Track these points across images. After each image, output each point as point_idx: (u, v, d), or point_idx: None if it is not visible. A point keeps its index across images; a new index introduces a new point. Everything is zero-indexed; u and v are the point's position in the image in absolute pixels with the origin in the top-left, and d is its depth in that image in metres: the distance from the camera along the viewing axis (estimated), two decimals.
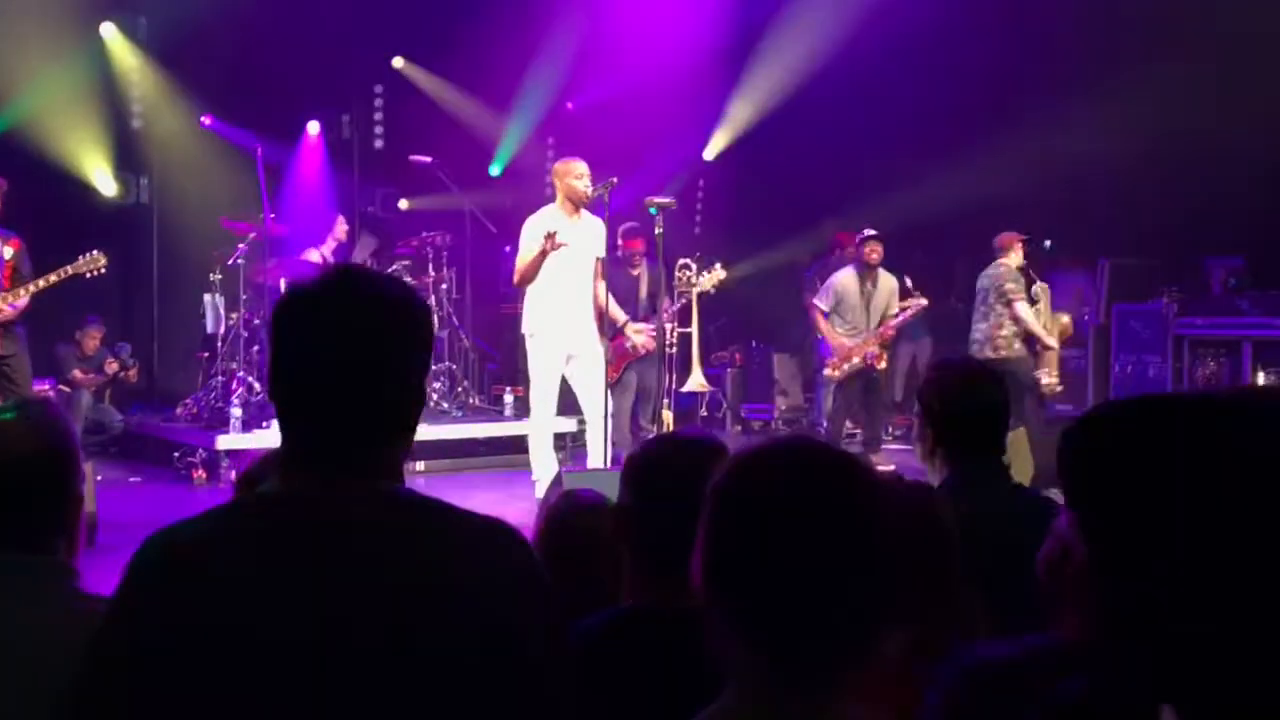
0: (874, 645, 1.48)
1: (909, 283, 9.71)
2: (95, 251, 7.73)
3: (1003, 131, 11.82)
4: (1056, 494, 1.84)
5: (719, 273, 8.58)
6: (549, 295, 7.54)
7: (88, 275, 7.75)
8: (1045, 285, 9.76)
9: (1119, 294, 12.42)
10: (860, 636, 1.47)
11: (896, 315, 9.74)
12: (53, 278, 7.54)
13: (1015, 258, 9.48)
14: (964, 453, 3.02)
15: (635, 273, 9.36)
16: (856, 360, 9.59)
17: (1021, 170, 12.28)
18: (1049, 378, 9.50)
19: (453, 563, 1.64)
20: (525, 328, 7.74)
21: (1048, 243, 13.61)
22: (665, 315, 9.27)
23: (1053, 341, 9.55)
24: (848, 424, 11.96)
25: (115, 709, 1.59)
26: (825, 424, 11.72)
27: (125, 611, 1.64)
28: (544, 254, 7.35)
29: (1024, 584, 2.20)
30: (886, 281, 9.77)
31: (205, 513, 1.70)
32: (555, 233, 7.29)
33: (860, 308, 9.72)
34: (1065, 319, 10.09)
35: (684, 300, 8.93)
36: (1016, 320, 9.30)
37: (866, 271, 9.68)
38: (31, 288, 7.50)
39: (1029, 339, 9.40)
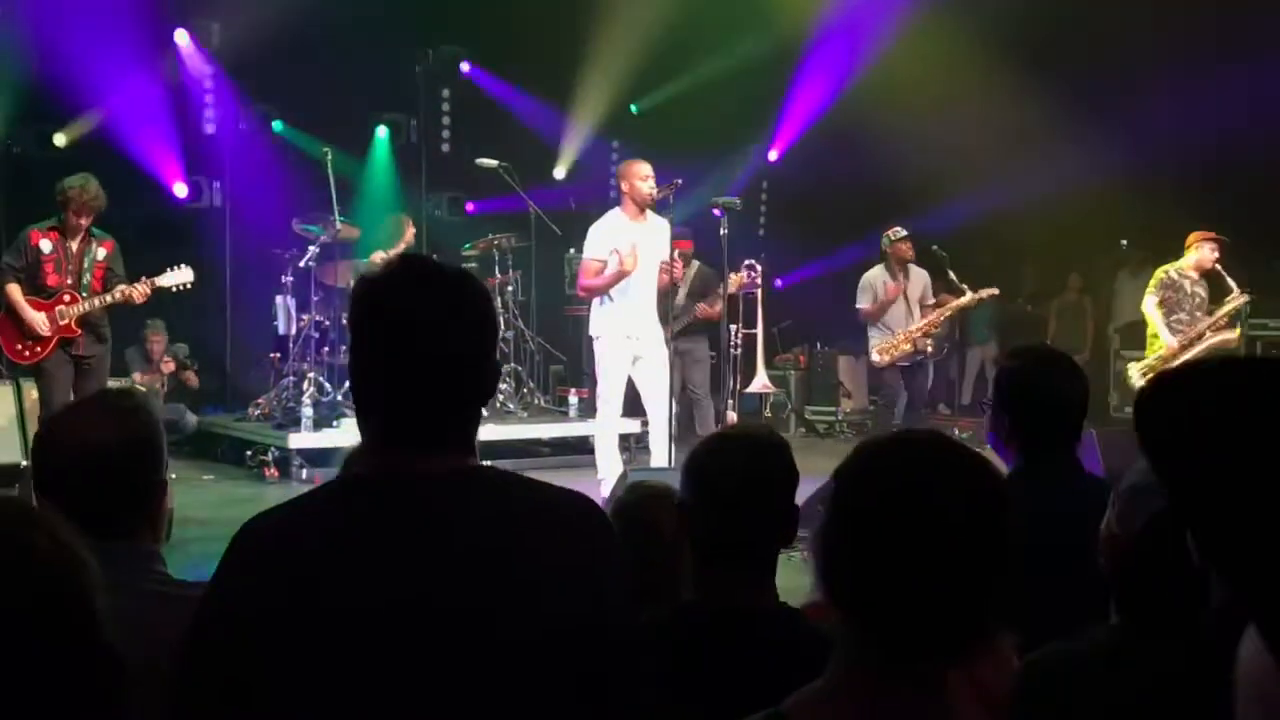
0: (988, 641, 1.50)
1: (953, 275, 9.71)
2: (183, 265, 7.84)
3: (1071, 131, 11.71)
4: None
5: (742, 275, 8.57)
6: (615, 297, 7.58)
7: (173, 289, 7.87)
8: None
9: None
10: (980, 632, 1.49)
11: (934, 305, 9.80)
12: (144, 289, 7.64)
13: (1188, 257, 8.95)
14: (1039, 444, 2.96)
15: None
16: (906, 347, 9.56)
17: (1090, 172, 12.17)
18: (1139, 380, 9.33)
19: (541, 533, 1.69)
20: (592, 330, 7.79)
21: (1124, 242, 13.44)
22: (701, 312, 9.29)
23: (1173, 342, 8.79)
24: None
25: (217, 689, 1.63)
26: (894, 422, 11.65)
27: (224, 594, 1.68)
28: (620, 275, 7.41)
29: (1090, 582, 2.20)
30: (919, 275, 9.86)
31: (299, 497, 1.75)
32: (634, 255, 7.35)
33: (902, 303, 9.75)
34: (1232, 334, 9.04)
35: (750, 297, 8.94)
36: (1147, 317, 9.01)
37: (897, 267, 9.71)
38: (114, 297, 7.59)
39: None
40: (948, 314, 9.80)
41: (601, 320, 7.69)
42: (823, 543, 1.51)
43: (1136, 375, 9.01)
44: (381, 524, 1.66)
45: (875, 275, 9.81)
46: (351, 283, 10.07)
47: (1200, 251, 8.88)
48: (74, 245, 7.62)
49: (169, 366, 10.71)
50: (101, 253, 7.69)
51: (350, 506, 1.70)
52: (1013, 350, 3.38)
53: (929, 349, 9.79)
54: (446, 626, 1.61)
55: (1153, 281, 9.02)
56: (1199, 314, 8.86)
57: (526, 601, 1.64)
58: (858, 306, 9.85)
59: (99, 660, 1.41)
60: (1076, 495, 2.80)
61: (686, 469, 2.30)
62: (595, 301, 7.74)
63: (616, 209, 7.76)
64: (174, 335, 11.33)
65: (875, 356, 9.67)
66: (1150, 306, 8.92)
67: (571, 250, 11.88)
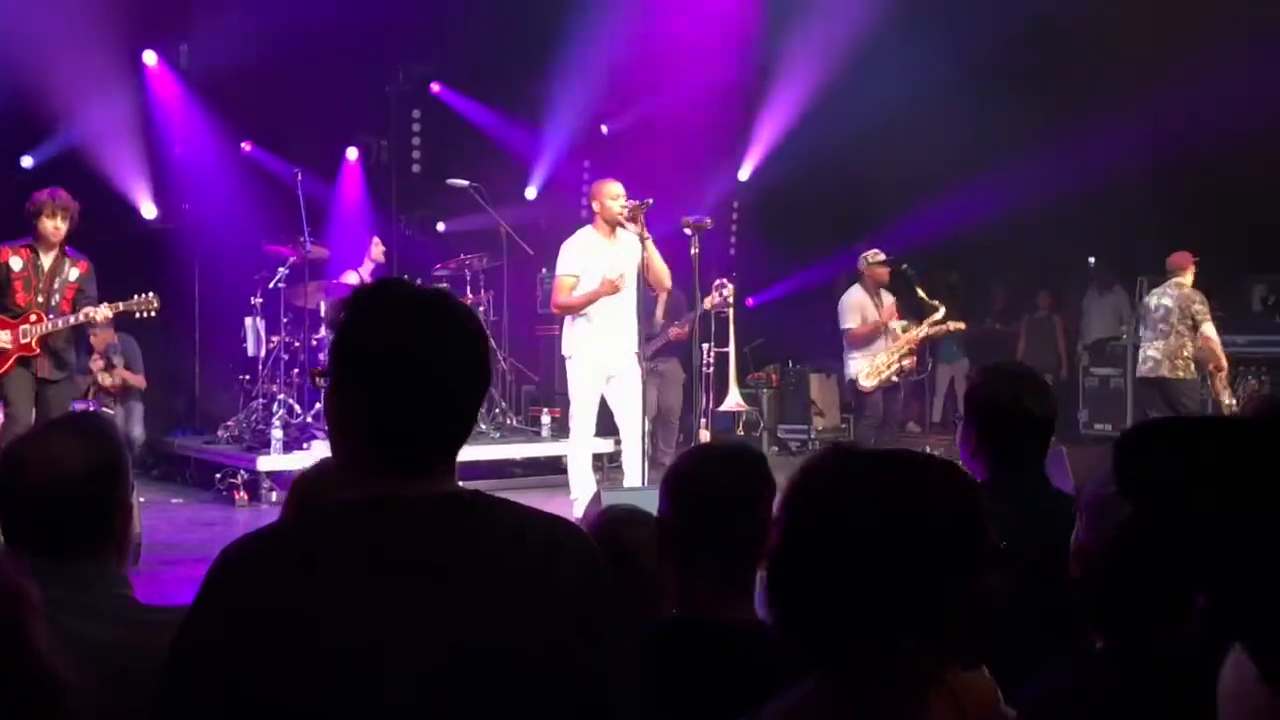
0: (966, 646, 1.51)
1: (921, 293, 9.75)
2: (150, 294, 7.72)
3: (1037, 149, 11.80)
4: None
5: (715, 295, 8.57)
6: (587, 316, 7.59)
7: (138, 315, 7.77)
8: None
9: None
10: (960, 635, 1.49)
11: (909, 330, 9.79)
12: (106, 311, 7.56)
13: (1189, 278, 9.58)
14: (1006, 458, 3.01)
15: (653, 293, 9.42)
16: (894, 368, 9.58)
17: (1057, 189, 12.27)
18: (1229, 398, 9.49)
19: (531, 558, 1.69)
20: (565, 349, 7.79)
21: (1091, 260, 13.56)
22: (674, 334, 9.33)
23: (1225, 363, 9.58)
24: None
25: (205, 713, 1.58)
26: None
27: (211, 617, 1.62)
28: (600, 294, 7.42)
29: (1055, 594, 2.22)
30: (889, 298, 9.93)
31: (285, 520, 1.75)
32: (618, 278, 7.38)
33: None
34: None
35: (721, 316, 8.94)
36: (1206, 341, 9.39)
37: (874, 289, 9.79)
38: (76, 319, 7.47)
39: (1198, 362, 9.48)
40: (925, 335, 9.81)
41: (573, 339, 7.69)
42: (787, 555, 1.51)
43: (1227, 395, 9.54)
44: (374, 549, 1.63)
45: (858, 296, 9.84)
46: (322, 305, 10.04)
47: (1191, 272, 9.56)
48: (46, 263, 7.51)
49: (97, 364, 10.41)
50: (75, 273, 7.58)
51: (341, 533, 1.66)
52: (983, 367, 3.44)
53: (913, 368, 9.85)
54: (440, 652, 1.60)
55: (1203, 305, 9.43)
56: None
57: (519, 625, 1.63)
58: (845, 327, 9.83)
59: (31, 686, 1.38)
60: (1043, 509, 2.85)
61: (667, 483, 2.30)
62: (567, 320, 7.73)
63: (588, 227, 7.77)
64: (143, 357, 11.26)
65: (863, 381, 9.60)
66: (1214, 330, 9.45)
67: (544, 270, 11.89)
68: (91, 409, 9.13)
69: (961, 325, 10.03)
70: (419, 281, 10.60)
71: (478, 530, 1.69)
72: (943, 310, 9.70)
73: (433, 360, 1.69)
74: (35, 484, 2.12)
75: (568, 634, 1.66)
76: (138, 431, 10.71)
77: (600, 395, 7.68)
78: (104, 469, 2.18)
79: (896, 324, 9.75)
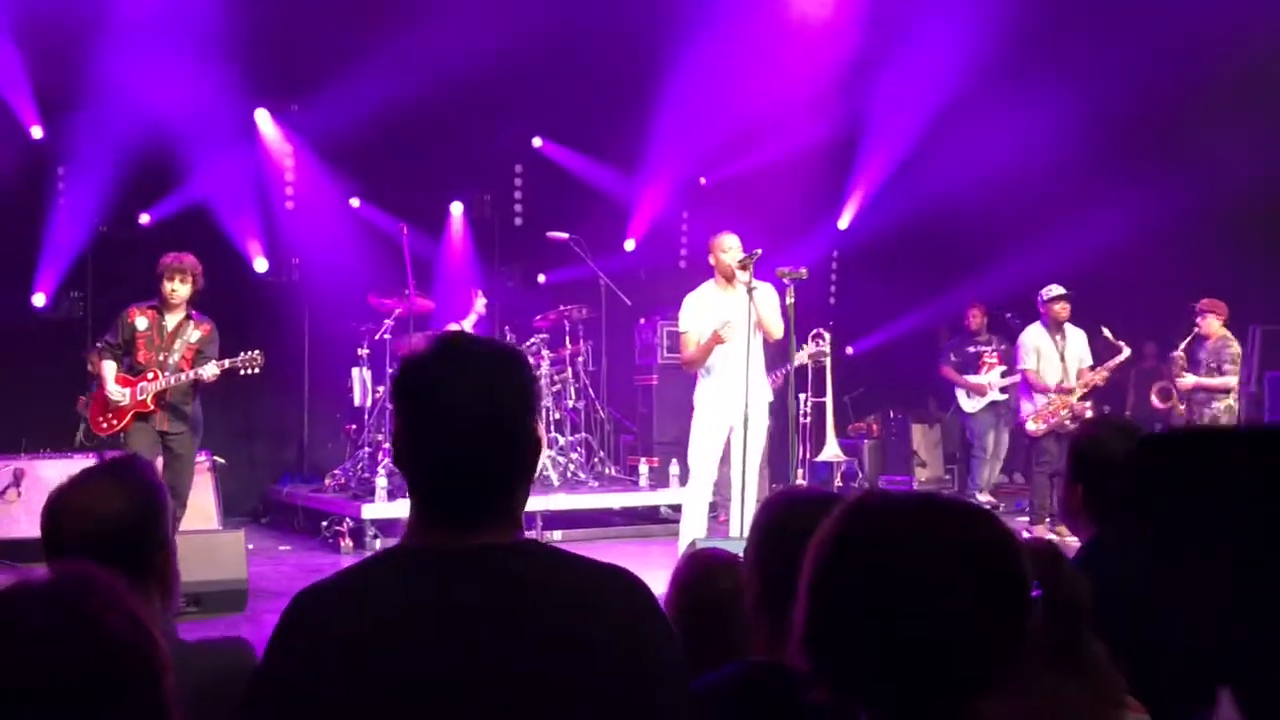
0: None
1: (1107, 333, 9.58)
2: (256, 351, 7.88)
3: (1144, 187, 11.61)
4: None
5: (810, 346, 8.51)
6: (707, 368, 7.65)
7: (243, 372, 7.94)
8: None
9: (1271, 361, 12.00)
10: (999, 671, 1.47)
11: (1093, 367, 9.61)
12: (214, 369, 7.68)
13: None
14: (1114, 513, 2.95)
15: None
16: (1064, 413, 9.36)
17: (1164, 229, 12.05)
18: None
19: (584, 610, 1.71)
20: (695, 399, 7.85)
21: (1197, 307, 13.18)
22: (776, 380, 9.28)
23: None
24: (989, 497, 11.75)
25: None
26: (975, 492, 11.50)
27: (276, 664, 1.73)
28: (709, 348, 7.49)
29: (1169, 647, 2.18)
30: (1077, 335, 9.70)
31: (344, 571, 1.80)
32: (729, 325, 7.42)
33: (1057, 363, 9.63)
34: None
35: (819, 366, 8.91)
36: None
37: (1054, 326, 9.62)
38: (185, 377, 7.64)
39: None
40: (1103, 377, 9.59)
41: (699, 391, 7.78)
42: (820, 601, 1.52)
43: None
44: (430, 600, 1.69)
45: (1035, 334, 9.70)
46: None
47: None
48: (170, 324, 7.75)
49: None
50: (196, 335, 7.79)
51: (391, 580, 1.74)
52: (1090, 420, 3.38)
53: (1087, 413, 9.38)
54: (495, 700, 1.63)
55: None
56: None
57: (572, 672, 1.66)
58: (1020, 368, 9.74)
59: None
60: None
61: (754, 528, 2.31)
62: (699, 373, 7.81)
63: (710, 280, 7.83)
64: (252, 409, 11.55)
65: (1030, 425, 9.43)
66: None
67: (642, 320, 11.98)
68: (204, 462, 9.38)
69: (1126, 351, 9.77)
70: (509, 334, 10.77)
71: (523, 578, 1.72)
72: (1127, 351, 9.53)
73: (446, 418, 1.74)
74: (77, 528, 2.22)
75: (610, 687, 1.66)
76: None
77: (722, 446, 7.69)
78: (143, 509, 2.28)
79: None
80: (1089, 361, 9.65)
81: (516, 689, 1.64)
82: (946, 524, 1.48)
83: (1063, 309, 9.56)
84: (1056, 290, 9.57)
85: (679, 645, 1.79)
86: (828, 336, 8.56)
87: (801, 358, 8.47)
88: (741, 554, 2.70)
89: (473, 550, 1.72)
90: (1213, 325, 9.75)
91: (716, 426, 7.64)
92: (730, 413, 7.54)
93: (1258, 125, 10.86)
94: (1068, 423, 9.26)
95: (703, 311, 7.71)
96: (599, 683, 1.66)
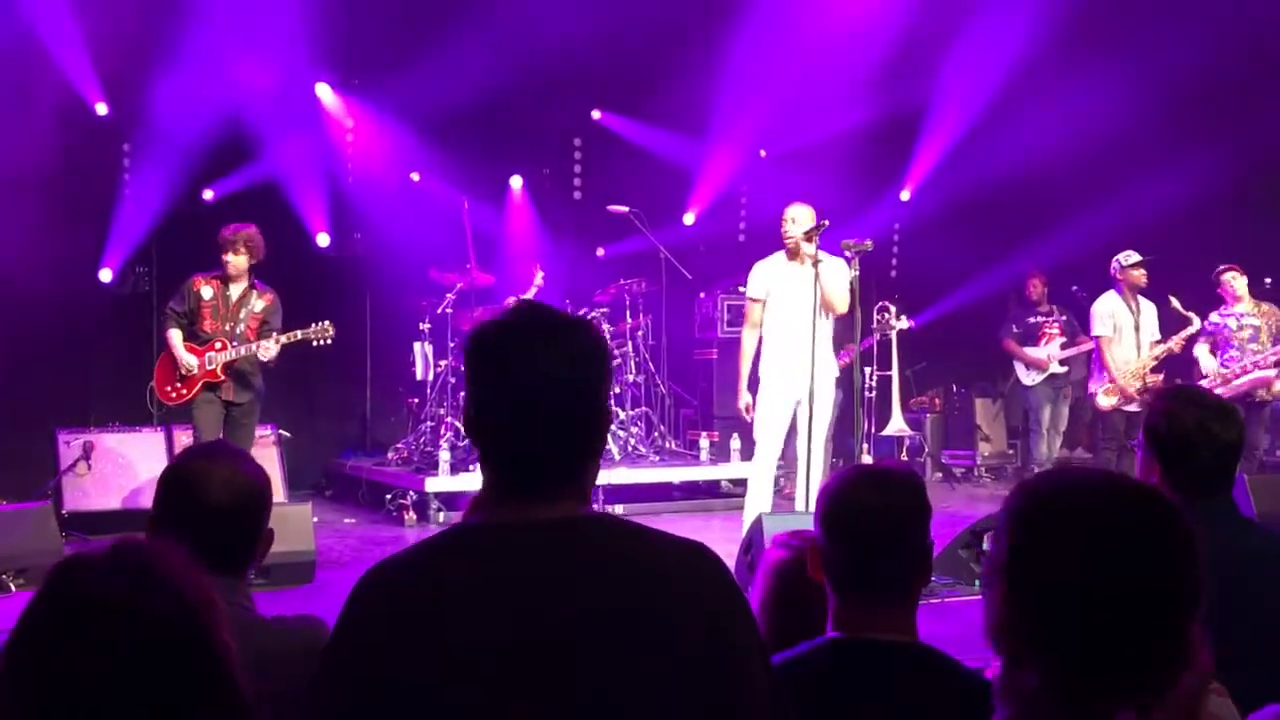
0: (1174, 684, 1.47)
1: (1176, 303, 9.19)
2: (326, 322, 8.00)
3: (1209, 155, 11.38)
4: None
5: (902, 320, 8.41)
6: (776, 343, 7.62)
7: (314, 344, 8.06)
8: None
9: None
10: (1172, 674, 1.46)
11: (1161, 341, 9.29)
12: (284, 339, 7.82)
13: None
14: (1193, 487, 2.89)
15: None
16: (1136, 385, 9.05)
17: (1229, 198, 11.82)
18: None
19: (660, 585, 1.69)
20: (760, 372, 7.82)
21: (1268, 281, 12.95)
22: (845, 358, 9.19)
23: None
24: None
25: (346, 715, 1.68)
26: (1035, 466, 11.35)
27: (347, 639, 1.72)
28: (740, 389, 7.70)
29: (1255, 625, 2.13)
30: (1149, 306, 9.41)
31: (418, 545, 1.79)
32: (749, 409, 7.66)
33: (1132, 334, 9.33)
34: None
35: (884, 339, 8.81)
36: None
37: (1131, 294, 9.33)
38: (252, 348, 7.73)
39: None
40: (1177, 347, 9.21)
41: (763, 365, 7.75)
42: (1013, 584, 1.48)
43: None
44: (502, 575, 1.68)
45: (1111, 302, 9.35)
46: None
47: None
48: (235, 294, 7.88)
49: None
50: (260, 305, 7.91)
51: (462, 555, 1.73)
52: (1161, 392, 3.30)
53: (1159, 385, 9.01)
54: (571, 677, 1.62)
55: None
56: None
57: (649, 648, 1.63)
58: (1094, 334, 9.42)
59: (221, 697, 1.45)
60: (1237, 537, 2.73)
61: (821, 503, 2.29)
62: (762, 346, 7.78)
63: (780, 251, 7.78)
64: (315, 383, 11.65)
65: (1101, 399, 9.16)
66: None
67: (702, 294, 11.93)
68: (270, 435, 9.48)
69: (1196, 322, 9.26)
70: (569, 308, 10.78)
71: (595, 553, 1.70)
72: (1197, 322, 9.16)
73: (525, 387, 1.72)
74: (216, 498, 2.30)
75: (690, 658, 1.64)
76: None
77: (789, 420, 7.65)
78: (259, 495, 2.39)
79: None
80: (1157, 335, 9.35)
81: (590, 664, 1.62)
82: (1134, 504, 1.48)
83: (1141, 275, 9.22)
84: (1134, 256, 9.24)
85: (755, 620, 1.76)
86: (893, 309, 8.46)
87: (881, 330, 8.37)
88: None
89: (544, 524, 1.71)
90: None
91: (782, 401, 7.60)
92: (795, 387, 7.49)
93: None
94: (1140, 395, 8.95)
95: (771, 281, 7.68)
96: (676, 659, 1.64)
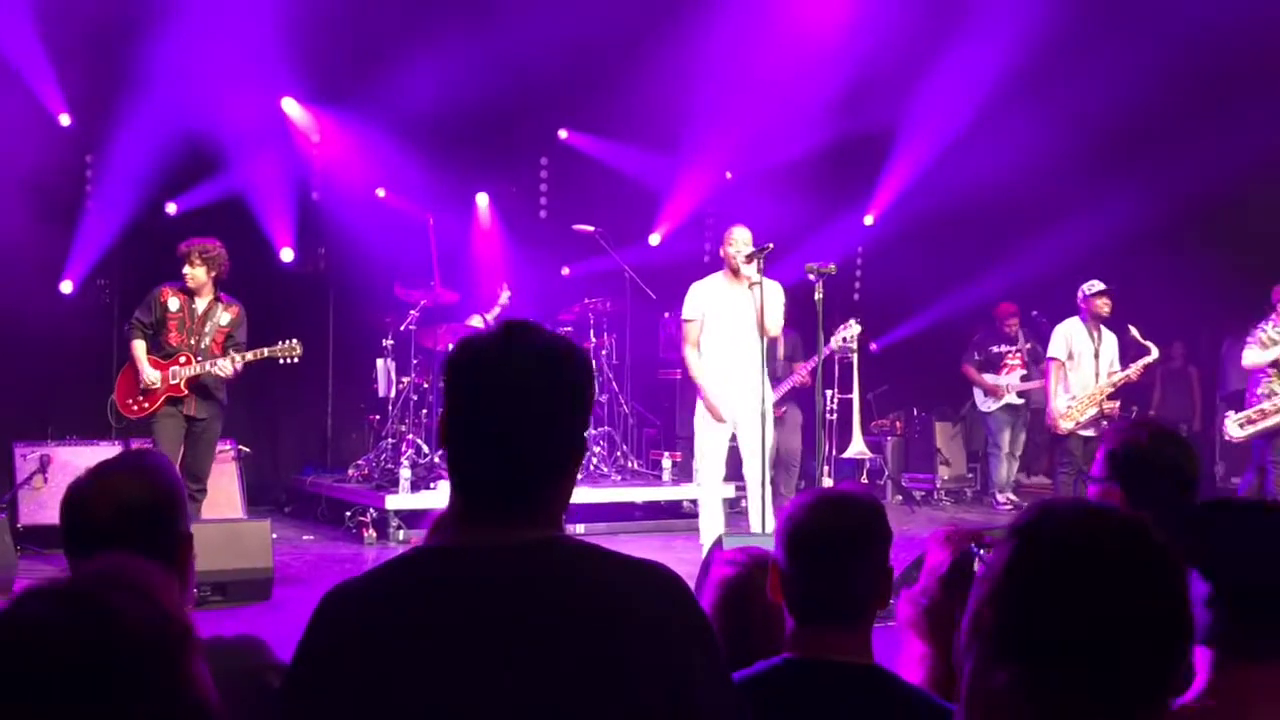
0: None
1: (1137, 333, 9.30)
2: (293, 340, 7.95)
3: (1166, 185, 11.55)
4: None
5: (837, 336, 8.48)
6: (712, 364, 7.66)
7: (281, 361, 8.01)
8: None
9: None
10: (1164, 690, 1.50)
11: (1121, 371, 9.34)
12: (250, 356, 7.77)
13: None
14: (1156, 515, 2.92)
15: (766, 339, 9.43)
16: (1093, 411, 9.17)
17: (1187, 229, 11.97)
18: None
19: (626, 609, 1.68)
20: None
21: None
22: (798, 379, 9.22)
23: None
24: (1011, 496, 11.70)
25: None
26: (995, 491, 11.45)
27: (310, 661, 1.71)
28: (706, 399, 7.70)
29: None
30: (1110, 336, 9.50)
31: (382, 565, 1.77)
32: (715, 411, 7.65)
33: (1091, 360, 9.40)
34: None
35: (845, 361, 8.87)
36: None
37: (1093, 323, 9.43)
38: (210, 365, 7.66)
39: None
40: (1135, 375, 9.31)
41: (704, 384, 7.77)
42: (1004, 602, 1.52)
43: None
44: (468, 598, 1.67)
45: (1070, 326, 9.46)
46: (451, 346, 10.24)
47: None
48: (200, 306, 7.81)
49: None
50: (226, 317, 7.86)
51: (426, 577, 1.72)
52: (1121, 422, 3.36)
53: (1115, 413, 9.17)
54: (534, 699, 1.62)
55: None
56: None
57: (613, 672, 1.64)
58: (1049, 355, 9.56)
59: None
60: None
61: (781, 525, 2.31)
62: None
63: (720, 271, 7.85)
64: (276, 399, 11.59)
65: (1062, 423, 9.22)
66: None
67: (666, 314, 11.97)
68: (229, 450, 9.42)
69: (1155, 353, 9.33)
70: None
71: (561, 577, 1.70)
72: (1156, 352, 9.27)
73: (492, 413, 1.72)
74: (101, 519, 2.22)
75: (652, 684, 1.64)
76: None
77: (729, 439, 7.71)
78: (165, 502, 2.29)
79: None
80: (1117, 365, 9.45)
81: (554, 687, 1.62)
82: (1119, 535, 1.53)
83: (1103, 304, 9.33)
84: (1098, 285, 9.36)
85: (718, 640, 1.77)
86: (856, 327, 8.49)
87: (837, 342, 8.44)
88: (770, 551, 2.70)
89: (512, 547, 1.70)
90: None
91: (714, 424, 7.66)
92: (730, 409, 7.56)
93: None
94: (1103, 421, 9.05)
95: (708, 302, 7.74)
96: (640, 680, 1.64)
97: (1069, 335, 9.43)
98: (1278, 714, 1.83)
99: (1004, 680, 1.48)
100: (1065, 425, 9.21)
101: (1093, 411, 9.14)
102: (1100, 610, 1.44)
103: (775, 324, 7.67)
